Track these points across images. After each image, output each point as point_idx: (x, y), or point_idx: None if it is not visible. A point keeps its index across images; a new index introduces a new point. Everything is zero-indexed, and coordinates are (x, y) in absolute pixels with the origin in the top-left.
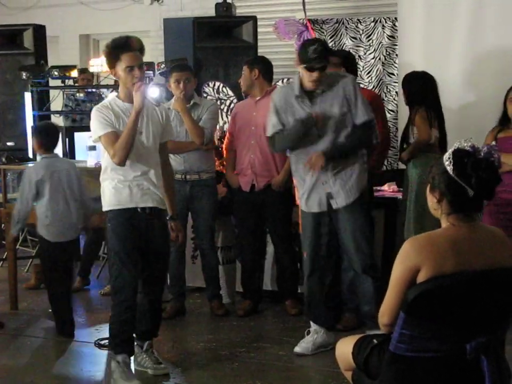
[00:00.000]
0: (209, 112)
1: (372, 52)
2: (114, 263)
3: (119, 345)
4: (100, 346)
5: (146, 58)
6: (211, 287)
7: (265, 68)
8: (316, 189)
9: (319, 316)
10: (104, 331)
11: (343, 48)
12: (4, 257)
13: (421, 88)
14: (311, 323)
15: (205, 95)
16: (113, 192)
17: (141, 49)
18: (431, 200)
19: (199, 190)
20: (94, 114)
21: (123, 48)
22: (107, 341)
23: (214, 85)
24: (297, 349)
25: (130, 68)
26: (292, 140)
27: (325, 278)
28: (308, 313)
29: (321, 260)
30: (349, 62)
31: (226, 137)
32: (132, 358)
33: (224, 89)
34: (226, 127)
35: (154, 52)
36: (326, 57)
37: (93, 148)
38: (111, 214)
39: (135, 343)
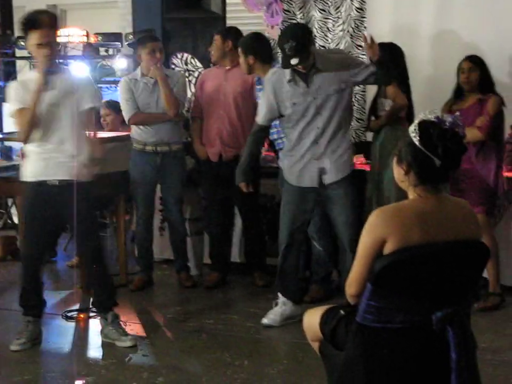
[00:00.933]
0: (179, 84)
1: (340, 24)
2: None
3: (25, 308)
4: (67, 318)
5: (114, 29)
6: (179, 258)
7: (238, 40)
8: (309, 164)
9: (289, 289)
10: (71, 303)
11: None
12: None
13: (388, 59)
14: (279, 295)
15: (173, 66)
16: (28, 164)
17: (52, 26)
18: (398, 172)
19: (169, 161)
20: (7, 90)
21: (32, 25)
22: (75, 312)
23: (182, 56)
24: (265, 321)
25: (39, 45)
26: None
27: (300, 252)
28: (278, 284)
29: (299, 234)
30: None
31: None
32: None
33: (192, 60)
34: None
35: (122, 22)
36: (301, 50)
37: None
38: (24, 186)
39: (100, 317)
